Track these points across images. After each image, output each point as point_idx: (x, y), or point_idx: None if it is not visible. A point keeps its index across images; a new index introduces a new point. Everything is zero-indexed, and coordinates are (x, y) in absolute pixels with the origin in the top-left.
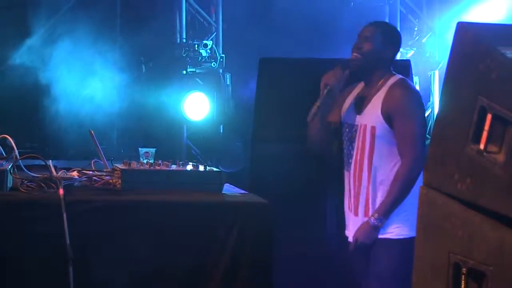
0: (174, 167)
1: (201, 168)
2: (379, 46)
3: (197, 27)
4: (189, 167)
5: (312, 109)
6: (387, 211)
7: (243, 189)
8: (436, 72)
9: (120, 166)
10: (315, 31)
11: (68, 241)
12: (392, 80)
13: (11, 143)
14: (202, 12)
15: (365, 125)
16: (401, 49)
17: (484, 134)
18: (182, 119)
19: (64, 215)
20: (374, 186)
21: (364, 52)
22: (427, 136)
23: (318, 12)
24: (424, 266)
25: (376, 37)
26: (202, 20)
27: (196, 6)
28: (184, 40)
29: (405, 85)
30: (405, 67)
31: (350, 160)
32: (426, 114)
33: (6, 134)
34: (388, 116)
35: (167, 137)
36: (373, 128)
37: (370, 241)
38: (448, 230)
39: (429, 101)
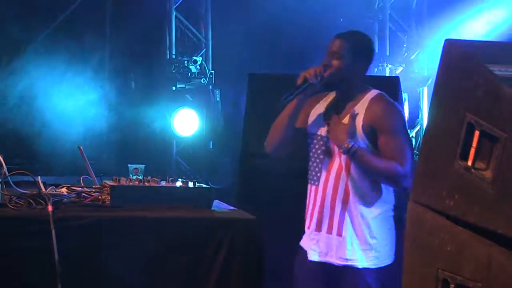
0: (163, 183)
1: (191, 184)
2: (349, 62)
3: (187, 43)
4: (179, 183)
5: (288, 94)
6: (361, 155)
7: (232, 205)
8: (425, 89)
9: (110, 182)
10: (305, 46)
11: (57, 257)
12: (370, 94)
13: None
14: (192, 28)
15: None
16: (390, 66)
17: (472, 151)
18: (172, 135)
19: (53, 231)
20: (350, 204)
21: (335, 72)
22: (416, 152)
23: (308, 28)
24: (413, 282)
25: (345, 52)
26: (192, 36)
27: (186, 22)
28: (174, 56)
29: (386, 99)
30: (394, 84)
31: (319, 174)
32: (415, 131)
33: None
34: (371, 131)
35: (156, 153)
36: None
37: (333, 134)
38: (437, 246)
39: (418, 117)
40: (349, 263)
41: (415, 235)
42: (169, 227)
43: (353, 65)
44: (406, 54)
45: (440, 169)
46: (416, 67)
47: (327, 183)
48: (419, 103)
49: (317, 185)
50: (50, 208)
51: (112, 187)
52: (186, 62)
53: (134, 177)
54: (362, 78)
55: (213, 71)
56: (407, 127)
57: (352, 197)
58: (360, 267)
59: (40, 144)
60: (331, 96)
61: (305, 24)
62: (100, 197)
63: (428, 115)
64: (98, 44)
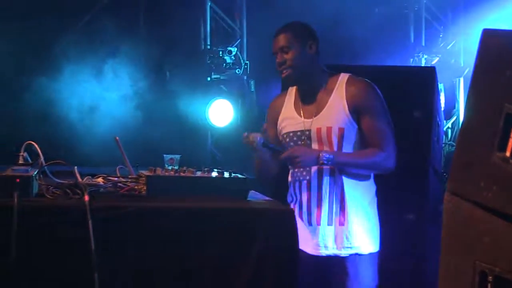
0: (199, 173)
1: (226, 174)
2: (300, 52)
3: (222, 33)
4: (214, 173)
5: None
6: (338, 161)
7: (268, 196)
8: (462, 79)
9: (145, 172)
10: (339, 37)
11: (93, 247)
12: (342, 77)
13: (37, 149)
14: (227, 18)
15: (329, 128)
16: (425, 56)
17: (510, 142)
18: (207, 125)
19: (90, 221)
20: (346, 193)
21: (290, 65)
22: (452, 143)
23: (342, 18)
24: (449, 274)
25: (292, 42)
26: (226, 27)
27: (221, 13)
28: (209, 47)
29: (362, 79)
30: (430, 74)
31: (308, 168)
32: (451, 121)
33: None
34: (355, 112)
35: (191, 143)
36: (340, 129)
37: (305, 163)
38: (474, 237)
39: (454, 108)
40: (354, 251)
41: (451, 227)
42: (205, 218)
43: (304, 50)
44: (442, 44)
45: (477, 160)
46: (452, 57)
47: (320, 176)
48: (455, 93)
49: (308, 179)
50: (86, 198)
51: (148, 177)
52: (221, 52)
53: (170, 167)
54: (318, 62)
55: (247, 62)
56: (385, 105)
57: (347, 187)
58: (365, 253)
59: (77, 134)
60: (292, 91)
61: (340, 14)
62: (136, 187)
63: (465, 106)
64: (133, 35)
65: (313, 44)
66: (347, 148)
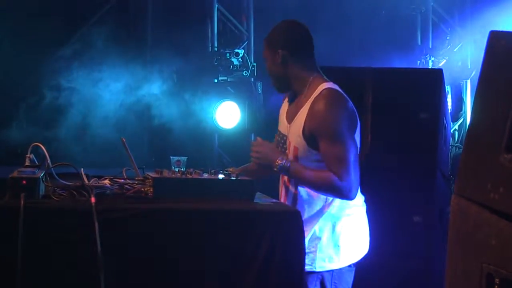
0: (205, 175)
1: (233, 176)
2: (272, 61)
3: (229, 35)
4: (221, 175)
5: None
6: (293, 174)
7: (274, 198)
8: (469, 81)
9: (152, 174)
10: (347, 39)
11: (99, 249)
12: (318, 89)
13: (43, 151)
14: (234, 20)
15: (290, 142)
16: (433, 58)
17: None
18: (214, 127)
19: (96, 222)
20: (298, 203)
21: (269, 75)
22: (459, 145)
23: (349, 20)
24: (456, 276)
25: (266, 54)
26: (234, 29)
27: (228, 15)
28: (216, 49)
29: (330, 97)
30: (437, 76)
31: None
32: (458, 123)
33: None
34: (311, 136)
35: (198, 145)
36: (295, 148)
37: (261, 165)
38: (481, 240)
39: (461, 110)
40: (308, 268)
41: (458, 229)
42: (211, 219)
43: (277, 64)
44: (449, 46)
45: (484, 162)
46: (459, 60)
47: (286, 183)
48: (462, 95)
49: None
50: (93, 199)
51: (154, 179)
52: (228, 54)
53: (177, 169)
54: (301, 68)
55: (255, 64)
56: (351, 128)
57: (303, 198)
58: (318, 270)
59: (83, 136)
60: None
61: (347, 16)
62: (142, 189)
63: (472, 108)
64: (140, 36)
65: (283, 52)
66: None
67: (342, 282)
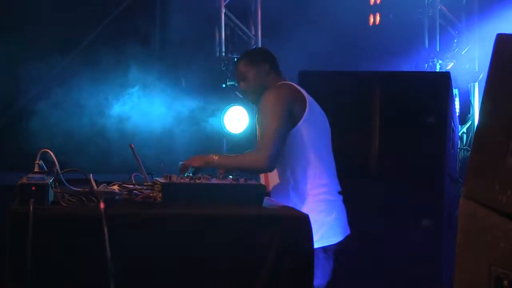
0: (214, 180)
1: (241, 181)
2: (256, 75)
3: (236, 40)
4: (229, 180)
5: None
6: (220, 164)
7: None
8: (476, 84)
9: (161, 180)
10: (355, 43)
11: (109, 255)
12: None
13: (52, 157)
14: (241, 25)
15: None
16: (440, 61)
17: None
18: (222, 132)
19: (105, 228)
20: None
21: (247, 91)
22: (467, 148)
23: (357, 24)
24: (465, 278)
25: (244, 69)
26: (241, 34)
27: (235, 20)
28: (224, 54)
29: (271, 89)
30: (444, 79)
31: None
32: (466, 126)
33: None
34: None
35: (207, 150)
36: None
37: (191, 163)
38: (489, 242)
39: (469, 113)
40: None
41: (467, 232)
42: (220, 224)
43: (259, 72)
44: (457, 49)
45: (492, 165)
46: (467, 63)
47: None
48: (470, 98)
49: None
50: (102, 205)
51: (163, 184)
52: (235, 59)
53: (185, 175)
54: (268, 81)
55: None
56: (282, 110)
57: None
58: None
59: (92, 142)
60: None
61: (355, 21)
62: (151, 194)
63: (480, 110)
64: (148, 42)
65: (265, 64)
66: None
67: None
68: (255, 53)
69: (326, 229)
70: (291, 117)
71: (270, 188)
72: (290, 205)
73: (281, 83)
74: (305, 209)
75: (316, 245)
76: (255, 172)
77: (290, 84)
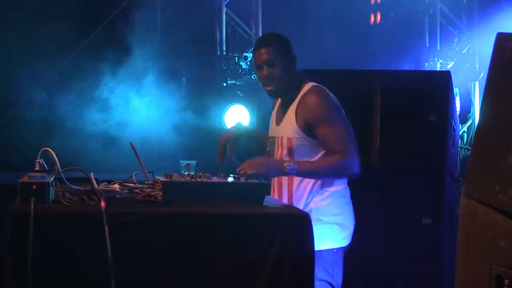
0: (215, 179)
1: (242, 180)
2: (285, 67)
3: (237, 39)
4: (230, 179)
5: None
6: (302, 171)
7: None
8: (477, 83)
9: (161, 178)
10: (355, 41)
11: (110, 254)
12: (305, 88)
13: (53, 156)
14: (242, 24)
15: (281, 137)
16: (441, 60)
17: None
18: (223, 130)
19: (106, 227)
20: (292, 200)
21: (276, 81)
22: (468, 147)
23: (358, 23)
24: (466, 277)
25: (278, 59)
26: (242, 33)
27: (236, 19)
28: (225, 53)
29: (317, 91)
30: (445, 78)
31: None
32: (467, 125)
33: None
34: (306, 126)
35: (208, 149)
36: (289, 140)
37: (267, 173)
38: (490, 241)
39: (470, 112)
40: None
41: (468, 230)
42: (221, 223)
43: (288, 70)
44: (457, 48)
45: (493, 163)
46: (467, 62)
47: (277, 181)
48: (470, 97)
49: (272, 182)
50: (103, 204)
51: (164, 183)
52: (236, 58)
53: (186, 173)
54: (295, 76)
55: None
56: (343, 115)
57: (297, 193)
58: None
59: (92, 141)
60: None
61: (354, 18)
62: (152, 193)
63: (480, 109)
64: (149, 40)
65: (294, 60)
66: (298, 158)
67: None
68: (287, 43)
69: (351, 229)
70: None
71: (285, 191)
72: (318, 206)
73: (317, 85)
74: (336, 211)
75: (341, 244)
76: (346, 177)
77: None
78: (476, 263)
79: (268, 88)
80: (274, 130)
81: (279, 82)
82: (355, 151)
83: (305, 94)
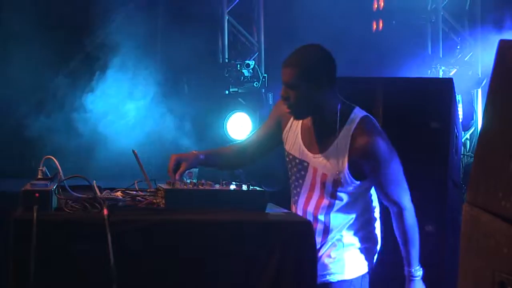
0: (217, 186)
1: (244, 187)
2: (305, 90)
3: (239, 47)
4: (232, 186)
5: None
6: (412, 262)
7: (286, 208)
8: (479, 90)
9: (164, 186)
10: (357, 49)
11: (112, 261)
12: (352, 117)
13: (55, 163)
14: (244, 32)
15: (324, 174)
16: (443, 67)
17: None
18: (225, 138)
19: (109, 235)
20: (321, 236)
21: (293, 104)
22: (470, 154)
23: (360, 31)
24: (468, 284)
25: (297, 81)
26: (244, 40)
27: (238, 26)
28: (227, 60)
29: (371, 131)
30: (447, 86)
31: (296, 198)
32: (469, 132)
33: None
34: (357, 168)
35: None
36: (336, 180)
37: None
38: (493, 248)
39: (473, 119)
40: (321, 279)
41: (470, 237)
42: (223, 230)
43: (309, 93)
44: (460, 55)
45: (495, 170)
46: (470, 69)
47: (306, 207)
48: (473, 104)
49: (295, 205)
50: (105, 211)
51: (166, 190)
52: (239, 66)
53: (188, 181)
54: (332, 96)
55: (265, 75)
56: (393, 152)
57: (332, 226)
58: (333, 280)
59: (95, 148)
60: None
61: (358, 27)
62: (154, 200)
63: (483, 116)
64: (151, 47)
65: (323, 82)
66: (340, 197)
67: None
68: (311, 66)
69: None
70: None
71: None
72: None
73: (370, 118)
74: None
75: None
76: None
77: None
78: (479, 270)
79: (288, 111)
80: (305, 155)
81: (295, 107)
82: (410, 198)
83: (358, 133)
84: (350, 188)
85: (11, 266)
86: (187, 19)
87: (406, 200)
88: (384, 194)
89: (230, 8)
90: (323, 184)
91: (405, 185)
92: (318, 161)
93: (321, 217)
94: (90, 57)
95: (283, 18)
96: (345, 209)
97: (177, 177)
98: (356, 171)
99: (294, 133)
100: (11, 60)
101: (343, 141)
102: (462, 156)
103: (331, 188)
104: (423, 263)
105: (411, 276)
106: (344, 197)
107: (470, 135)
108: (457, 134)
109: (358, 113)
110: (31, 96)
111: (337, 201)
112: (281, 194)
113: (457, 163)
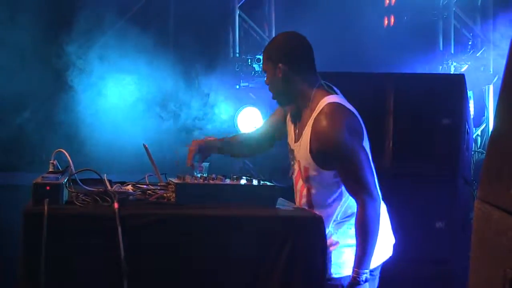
0: (228, 181)
1: (255, 182)
2: (272, 73)
3: (250, 41)
4: (243, 181)
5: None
6: (364, 263)
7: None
8: (491, 87)
9: (175, 180)
10: (368, 44)
11: (123, 255)
12: (319, 105)
13: (67, 157)
14: (255, 27)
15: (299, 161)
16: (455, 63)
17: None
18: (235, 133)
19: (119, 228)
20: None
21: (269, 89)
22: (482, 150)
23: (372, 26)
24: (480, 282)
25: (265, 65)
26: (255, 35)
27: (249, 21)
28: (238, 55)
29: (328, 116)
30: (459, 82)
31: (294, 189)
32: (481, 129)
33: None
34: (319, 156)
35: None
36: (305, 169)
37: None
38: (504, 245)
39: (484, 115)
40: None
41: (482, 234)
42: (233, 225)
43: (275, 72)
44: (472, 51)
45: (507, 167)
46: (481, 65)
47: (297, 199)
48: (484, 101)
49: (295, 195)
50: (116, 205)
51: (177, 185)
52: (249, 60)
53: (199, 175)
54: (302, 82)
55: None
56: (356, 139)
57: (317, 209)
58: (335, 276)
59: (106, 142)
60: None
61: (369, 22)
62: (165, 194)
63: (495, 113)
64: (162, 42)
65: (293, 62)
66: (316, 187)
67: None
68: (273, 50)
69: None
70: None
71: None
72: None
73: (333, 103)
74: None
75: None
76: (377, 218)
77: (346, 108)
78: (490, 267)
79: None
80: (292, 144)
81: (272, 92)
82: (373, 188)
83: (318, 115)
84: (322, 178)
85: (21, 258)
86: (198, 14)
87: (364, 195)
88: (344, 186)
89: (241, 3)
90: (302, 174)
91: (366, 179)
92: (297, 150)
93: (304, 195)
94: (102, 51)
95: (294, 12)
96: (324, 201)
97: (196, 164)
98: (319, 160)
99: (289, 124)
100: (24, 51)
101: (308, 127)
102: (473, 153)
103: (306, 178)
104: (433, 260)
105: (358, 278)
106: (319, 187)
107: (481, 131)
108: (468, 130)
109: (328, 99)
110: (40, 89)
111: (313, 191)
112: (291, 189)
113: (468, 159)
